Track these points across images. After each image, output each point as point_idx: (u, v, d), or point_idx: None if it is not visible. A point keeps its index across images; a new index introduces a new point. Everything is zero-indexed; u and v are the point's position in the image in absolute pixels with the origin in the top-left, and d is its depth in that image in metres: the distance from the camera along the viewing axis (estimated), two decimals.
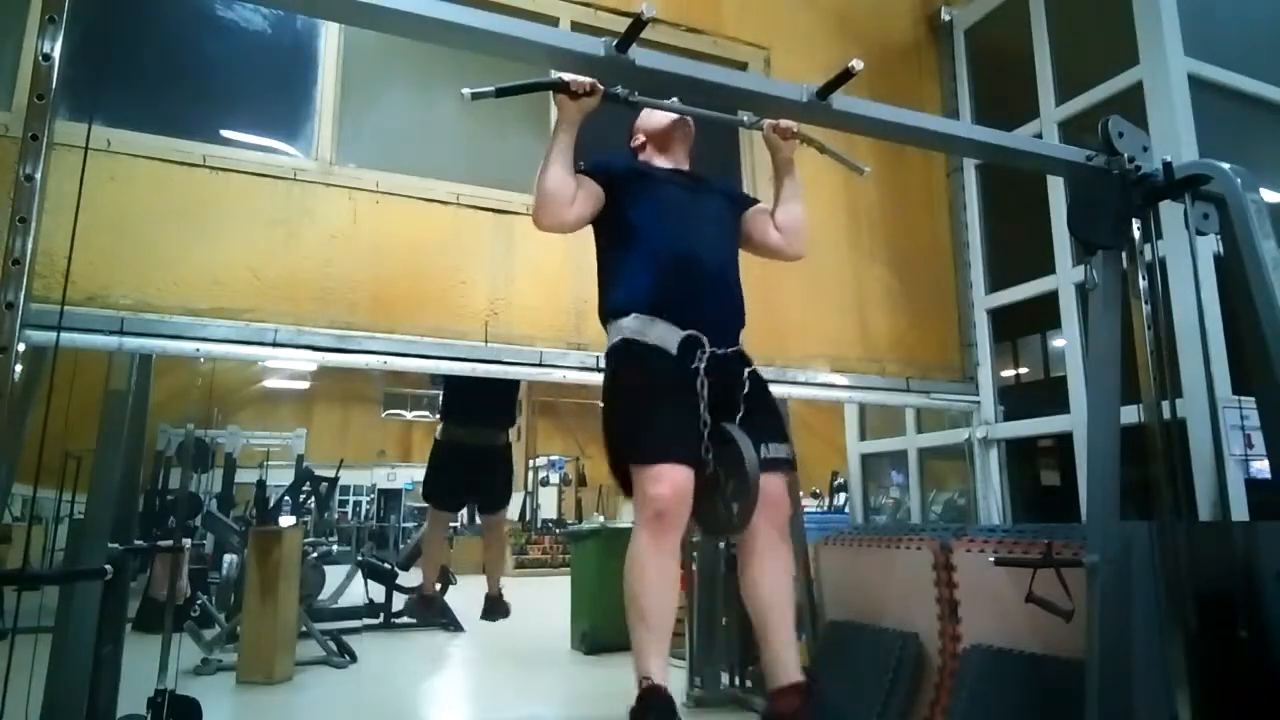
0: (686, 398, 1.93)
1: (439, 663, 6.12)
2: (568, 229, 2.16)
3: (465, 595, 4.11)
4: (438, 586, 4.04)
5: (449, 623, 7.03)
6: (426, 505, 4.31)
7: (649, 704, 1.76)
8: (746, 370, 2.05)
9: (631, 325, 2.03)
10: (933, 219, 4.27)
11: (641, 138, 2.37)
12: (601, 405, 2.08)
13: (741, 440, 1.91)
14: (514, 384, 4.27)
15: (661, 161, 2.31)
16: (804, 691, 1.92)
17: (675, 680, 4.34)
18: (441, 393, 4.30)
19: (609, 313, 2.14)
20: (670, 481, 1.83)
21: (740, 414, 1.97)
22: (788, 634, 1.98)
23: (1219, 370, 2.84)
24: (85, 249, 2.57)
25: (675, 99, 2.25)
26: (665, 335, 1.98)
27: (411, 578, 5.77)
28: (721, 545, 4.35)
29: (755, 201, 2.45)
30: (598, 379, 3.22)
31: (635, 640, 1.84)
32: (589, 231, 2.29)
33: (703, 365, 1.96)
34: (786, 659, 1.95)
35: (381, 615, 7.57)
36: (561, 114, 2.09)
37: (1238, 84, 3.47)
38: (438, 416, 4.36)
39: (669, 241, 2.09)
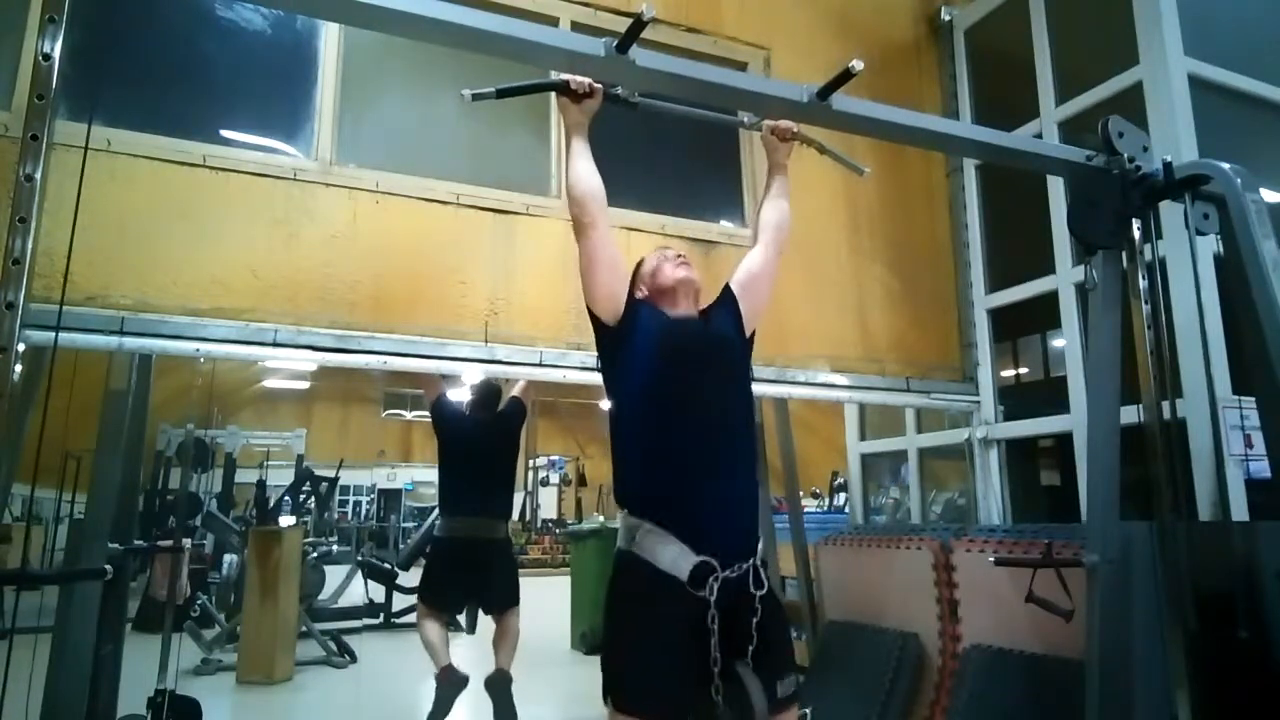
0: (690, 639, 1.81)
1: None
2: (596, 231, 1.99)
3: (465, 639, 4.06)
4: (451, 664, 3.83)
5: (448, 622, 7.03)
6: (419, 607, 3.99)
7: None
8: (759, 595, 1.90)
9: (644, 541, 1.90)
10: (933, 219, 4.27)
11: (645, 290, 2.16)
12: (603, 614, 1.98)
13: (753, 688, 1.80)
14: (512, 456, 4.17)
15: (669, 311, 2.11)
16: None
17: None
18: (438, 482, 4.15)
19: (623, 501, 2.01)
20: None
21: (753, 645, 1.85)
22: None
23: (1219, 370, 2.84)
24: (85, 249, 2.57)
25: (678, 104, 2.23)
26: (678, 561, 1.85)
27: (411, 578, 5.75)
28: None
29: (734, 286, 2.25)
30: (598, 379, 3.23)
31: None
32: None
33: (713, 598, 1.82)
34: None
35: (381, 615, 7.58)
36: (566, 117, 2.06)
37: (1238, 84, 3.47)
38: (435, 513, 4.16)
39: (689, 432, 1.94)
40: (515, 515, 15.35)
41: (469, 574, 3.87)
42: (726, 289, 2.22)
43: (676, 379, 1.97)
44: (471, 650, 4.03)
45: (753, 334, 2.19)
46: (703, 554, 1.83)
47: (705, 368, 2.02)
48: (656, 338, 2.01)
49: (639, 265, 2.22)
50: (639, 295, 2.14)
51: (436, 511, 4.25)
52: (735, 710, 1.82)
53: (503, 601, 3.93)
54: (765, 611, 1.89)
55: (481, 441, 4.03)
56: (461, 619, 4.11)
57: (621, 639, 1.90)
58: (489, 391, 4.17)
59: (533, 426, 17.44)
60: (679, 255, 2.17)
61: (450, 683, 3.64)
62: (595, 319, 2.04)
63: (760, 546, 1.98)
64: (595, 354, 2.16)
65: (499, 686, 3.72)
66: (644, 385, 1.97)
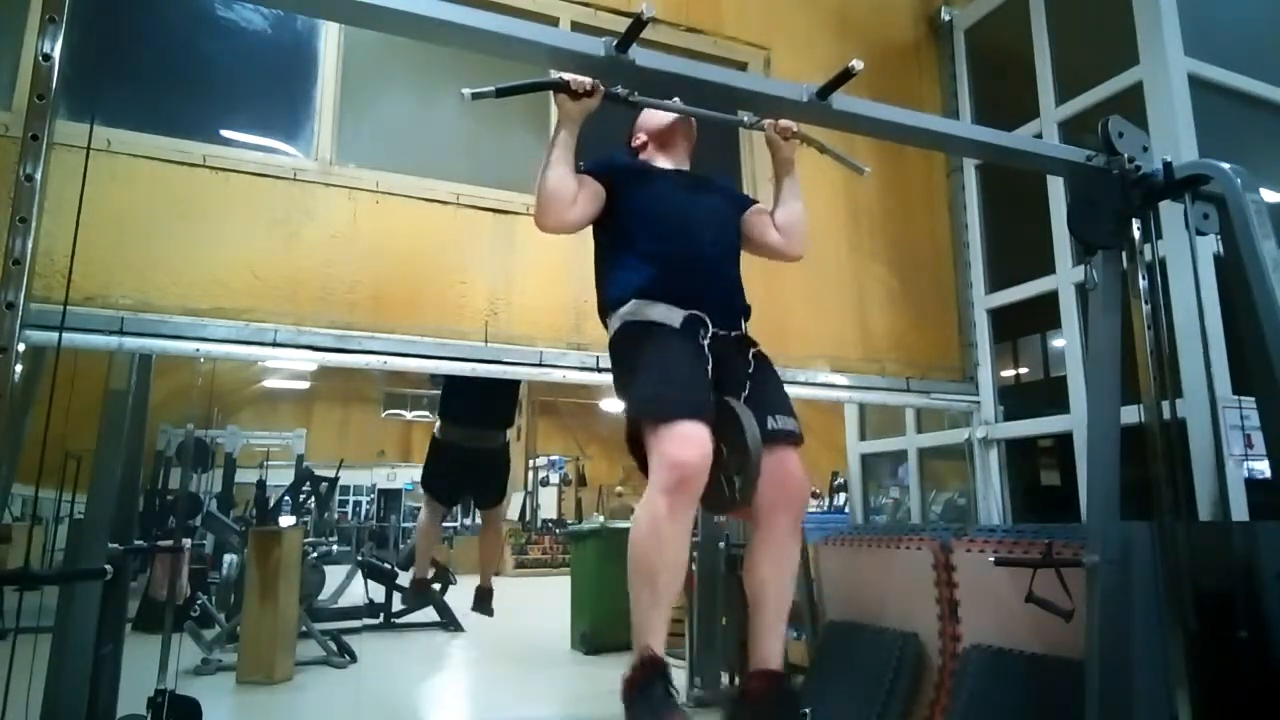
0: (695, 363, 1.91)
1: (439, 663, 6.12)
2: (570, 229, 2.14)
3: (465, 595, 4.11)
4: (435, 584, 4.08)
5: (449, 622, 7.04)
6: (424, 494, 4.31)
7: (650, 672, 1.70)
8: (751, 350, 2.03)
9: (631, 309, 2.02)
10: (933, 219, 4.27)
11: (643, 136, 2.35)
12: (616, 391, 2.07)
13: (743, 414, 1.88)
14: (514, 382, 4.24)
15: (662, 161, 2.30)
16: (778, 679, 1.90)
17: (675, 680, 4.36)
18: (440, 391, 4.29)
19: (608, 304, 2.12)
20: (695, 443, 1.75)
21: (745, 392, 1.95)
22: (779, 625, 1.95)
23: (1219, 370, 2.84)
24: (85, 249, 2.56)
25: (676, 99, 2.24)
26: (667, 314, 1.97)
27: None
28: (722, 545, 4.35)
29: (754, 202, 2.44)
30: (598, 379, 3.23)
31: (639, 610, 1.75)
32: (589, 231, 2.28)
33: (706, 341, 1.95)
34: (771, 648, 1.92)
35: (381, 615, 7.57)
36: (562, 114, 2.08)
37: (1238, 84, 3.46)
38: (436, 415, 4.34)
39: (669, 237, 2.08)
40: (515, 514, 15.39)
41: (467, 474, 4.12)
42: (745, 199, 2.40)
43: (660, 194, 2.15)
44: (470, 650, 4.03)
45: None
46: (690, 311, 1.98)
47: (693, 199, 2.19)
48: (646, 176, 2.21)
49: (638, 118, 2.36)
50: (636, 142, 2.34)
51: (438, 415, 4.36)
52: (728, 442, 1.88)
53: (496, 497, 4.29)
54: (757, 365, 2.01)
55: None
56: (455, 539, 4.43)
57: (640, 372, 1.94)
58: None
59: (533, 426, 17.47)
60: (685, 121, 2.32)
61: (420, 594, 4.01)
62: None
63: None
64: (595, 353, 2.20)
65: (482, 602, 4.08)
66: (632, 211, 2.13)
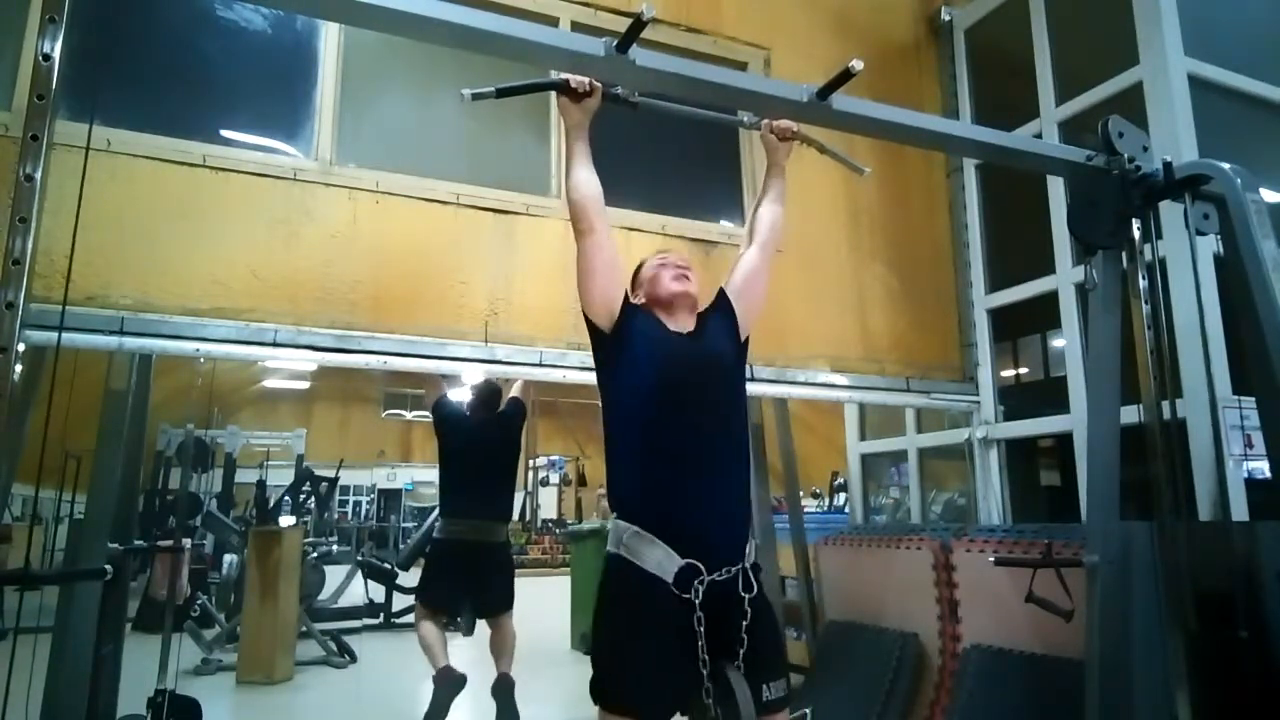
0: (678, 640, 1.82)
1: None
2: (594, 236, 1.99)
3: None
4: (449, 664, 3.82)
5: (449, 622, 7.02)
6: (417, 609, 4.01)
7: None
8: (748, 598, 1.90)
9: (630, 543, 1.90)
10: (933, 219, 4.27)
11: (642, 296, 2.16)
12: (593, 615, 1.98)
13: (740, 692, 1.81)
14: (514, 458, 4.17)
15: (665, 321, 2.10)
16: None
17: None
18: (438, 480, 4.15)
19: (614, 505, 2.01)
20: None
21: (743, 649, 1.85)
22: None
23: (1219, 370, 2.84)
24: (85, 249, 2.57)
25: (678, 104, 2.23)
26: (663, 564, 1.85)
27: (411, 578, 5.75)
28: None
29: (729, 291, 2.24)
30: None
31: None
32: None
33: (699, 600, 1.83)
34: None
35: (381, 615, 7.58)
36: (566, 118, 2.06)
37: (1238, 84, 3.47)
38: (435, 514, 4.16)
39: (680, 440, 1.94)
40: (515, 516, 15.37)
41: (467, 577, 3.88)
42: (722, 295, 2.21)
43: (669, 390, 1.96)
44: (470, 651, 4.03)
45: (747, 338, 2.18)
46: (688, 557, 1.84)
47: (699, 381, 2.01)
48: (651, 348, 2.00)
49: (638, 269, 2.22)
50: (636, 301, 2.14)
51: (436, 512, 4.24)
52: (725, 713, 1.82)
53: (498, 606, 3.95)
54: (755, 614, 1.89)
55: (482, 443, 4.03)
56: (460, 622, 4.11)
57: (609, 639, 1.91)
58: (489, 392, 4.17)
59: (533, 426, 17.45)
60: (678, 266, 2.13)
61: (448, 683, 3.64)
62: (591, 324, 2.04)
63: (753, 549, 1.98)
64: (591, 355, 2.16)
65: (503, 692, 3.73)
66: (637, 394, 1.97)
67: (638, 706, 1.80)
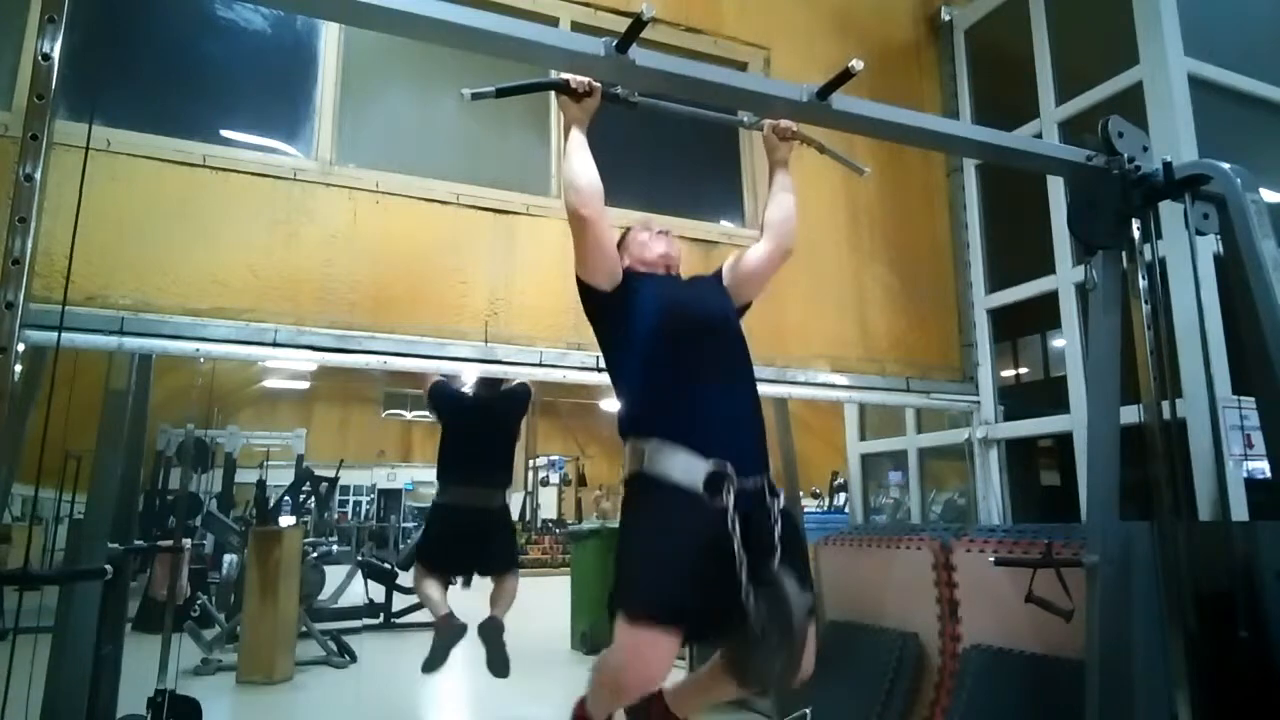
0: (711, 550, 1.77)
1: None
2: (600, 224, 2.01)
3: (462, 594, 4.07)
4: (450, 612, 3.81)
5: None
6: (415, 570, 3.96)
7: None
8: (777, 506, 1.91)
9: (655, 457, 1.88)
10: (933, 219, 4.27)
11: (629, 259, 2.26)
12: (618, 548, 1.96)
13: (789, 587, 1.76)
14: (514, 434, 4.18)
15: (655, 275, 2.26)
16: None
17: (675, 679, 4.36)
18: (438, 451, 4.12)
19: (628, 429, 2.00)
20: (653, 660, 1.72)
21: (778, 556, 1.82)
22: None
23: (1219, 370, 2.84)
24: (85, 249, 2.57)
25: (677, 103, 2.24)
26: (689, 469, 1.84)
27: (411, 578, 5.76)
28: None
29: (725, 271, 2.34)
30: (598, 379, 3.23)
31: (596, 701, 1.95)
32: None
33: (731, 503, 1.80)
34: None
35: (381, 615, 7.58)
36: (566, 115, 2.08)
37: (1238, 84, 3.46)
38: (435, 478, 4.14)
39: (692, 355, 1.99)
40: (515, 516, 15.36)
41: (467, 541, 3.88)
42: (717, 273, 2.32)
43: (676, 311, 2.08)
44: (471, 650, 4.03)
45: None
46: (713, 461, 1.85)
47: (701, 307, 2.15)
48: (655, 287, 2.15)
49: (624, 236, 2.33)
50: (624, 263, 2.25)
51: (436, 480, 4.24)
52: (771, 612, 1.76)
53: (501, 566, 3.95)
54: (785, 523, 1.90)
55: (483, 416, 4.04)
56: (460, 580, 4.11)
57: (638, 549, 1.88)
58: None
59: (533, 426, 17.46)
60: (662, 231, 2.33)
61: (449, 630, 3.66)
62: (590, 287, 2.11)
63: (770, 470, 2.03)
64: (595, 353, 2.18)
65: (491, 632, 3.74)
66: (645, 319, 2.06)
67: (669, 614, 1.74)
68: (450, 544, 3.90)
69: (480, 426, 4.00)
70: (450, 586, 3.94)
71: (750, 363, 2.14)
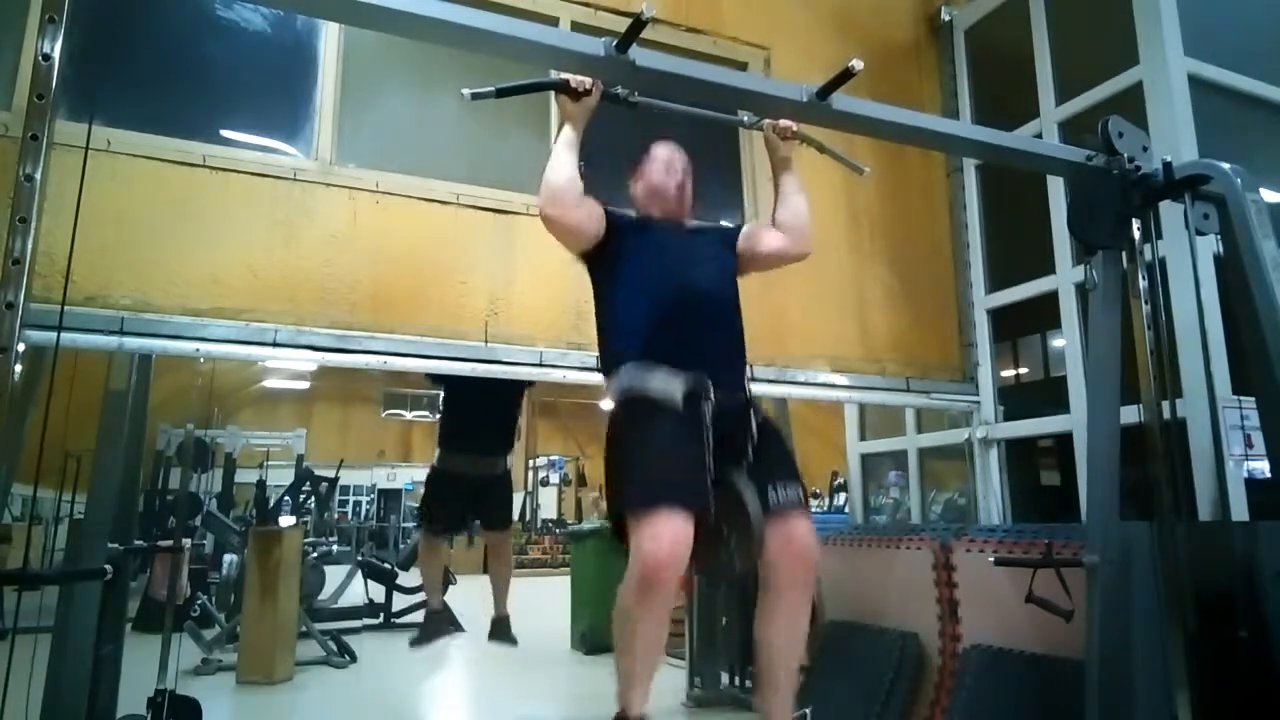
0: (691, 446, 1.85)
1: (439, 663, 6.10)
2: (570, 227, 2.08)
3: (464, 595, 4.08)
4: (444, 600, 3.93)
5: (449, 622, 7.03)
6: (420, 529, 4.17)
7: None
8: (755, 419, 1.97)
9: (630, 376, 1.95)
10: (933, 219, 4.27)
11: (639, 182, 2.33)
12: (605, 471, 2.00)
13: (747, 491, 1.85)
14: (515, 405, 4.19)
15: (658, 213, 2.28)
16: None
17: (675, 680, 4.37)
18: (439, 418, 4.19)
19: (608, 363, 2.08)
20: (672, 540, 1.72)
21: (748, 460, 1.90)
22: (789, 690, 1.98)
23: (1219, 370, 2.83)
24: (85, 249, 2.57)
25: (677, 103, 2.24)
26: (667, 385, 1.90)
27: (411, 578, 5.76)
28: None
29: (742, 227, 2.40)
30: (598, 379, 3.23)
31: (621, 672, 1.86)
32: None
33: (708, 414, 1.87)
34: (782, 713, 1.96)
35: (381, 615, 7.57)
36: (563, 112, 2.08)
37: (1238, 84, 3.46)
38: (436, 442, 4.20)
39: (665, 287, 2.04)
40: (515, 514, 15.37)
41: (468, 493, 3.97)
42: (733, 232, 2.35)
43: (661, 251, 2.12)
44: (471, 650, 4.03)
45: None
46: (690, 375, 1.92)
47: (689, 250, 2.19)
48: (643, 230, 2.18)
49: (640, 164, 2.34)
50: (633, 180, 2.33)
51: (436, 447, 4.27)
52: (730, 519, 1.86)
53: (500, 521, 4.09)
54: (762, 431, 1.96)
55: (484, 391, 4.04)
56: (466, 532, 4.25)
57: (627, 456, 1.92)
58: None
59: (533, 426, 17.47)
60: (669, 161, 2.32)
61: (439, 622, 3.80)
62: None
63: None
64: (595, 353, 2.18)
65: (501, 632, 3.89)
66: (629, 263, 2.10)
67: (672, 498, 1.76)
68: (451, 504, 4.00)
69: (482, 396, 3.99)
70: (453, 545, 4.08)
71: (736, 306, 2.19)
